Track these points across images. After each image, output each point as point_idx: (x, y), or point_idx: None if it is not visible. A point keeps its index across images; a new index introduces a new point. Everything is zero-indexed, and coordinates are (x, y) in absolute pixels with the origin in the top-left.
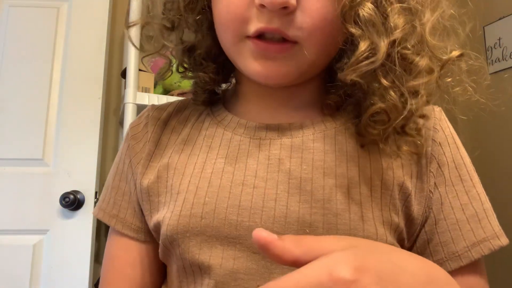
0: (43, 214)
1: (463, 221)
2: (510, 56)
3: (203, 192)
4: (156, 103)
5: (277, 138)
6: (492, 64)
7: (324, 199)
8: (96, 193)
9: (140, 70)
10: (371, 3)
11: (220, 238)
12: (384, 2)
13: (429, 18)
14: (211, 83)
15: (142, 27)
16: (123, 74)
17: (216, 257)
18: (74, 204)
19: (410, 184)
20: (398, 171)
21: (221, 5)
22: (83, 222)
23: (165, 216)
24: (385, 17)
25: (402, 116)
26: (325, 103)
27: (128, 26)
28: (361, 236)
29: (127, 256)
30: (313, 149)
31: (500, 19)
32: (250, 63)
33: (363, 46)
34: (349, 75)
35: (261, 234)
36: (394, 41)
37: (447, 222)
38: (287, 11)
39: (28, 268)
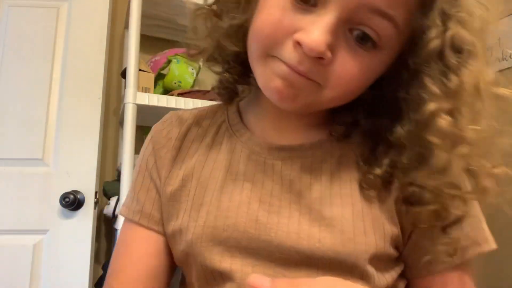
0: (43, 214)
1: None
2: (510, 56)
3: (225, 206)
4: (156, 103)
5: (288, 159)
6: (492, 64)
7: (332, 217)
8: (96, 193)
9: (140, 70)
10: (447, 114)
11: (239, 249)
12: (459, 117)
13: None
14: (233, 83)
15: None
16: (123, 74)
17: (237, 264)
18: (74, 204)
19: (401, 199)
20: (396, 189)
21: (264, 18)
22: (83, 222)
23: (189, 224)
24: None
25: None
26: (333, 128)
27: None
28: (363, 248)
29: (146, 245)
30: (321, 170)
31: (500, 19)
32: (270, 79)
33: (440, 160)
34: (422, 180)
35: (255, 281)
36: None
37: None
38: (320, 62)
39: (28, 268)
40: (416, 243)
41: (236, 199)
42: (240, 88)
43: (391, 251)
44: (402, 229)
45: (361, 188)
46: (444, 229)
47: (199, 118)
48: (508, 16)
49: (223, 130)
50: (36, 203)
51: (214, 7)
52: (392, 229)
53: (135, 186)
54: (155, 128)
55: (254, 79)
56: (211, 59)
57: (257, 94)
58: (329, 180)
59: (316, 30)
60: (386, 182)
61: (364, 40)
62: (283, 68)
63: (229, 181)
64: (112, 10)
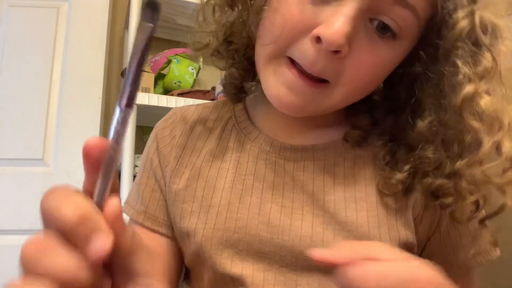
0: None
1: (466, 234)
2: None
3: (235, 207)
4: (156, 103)
5: (301, 160)
6: None
7: (347, 221)
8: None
9: None
10: (486, 94)
11: (251, 252)
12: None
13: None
14: (239, 79)
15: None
16: (123, 74)
17: (248, 268)
18: None
19: (419, 204)
20: (415, 194)
21: (278, 15)
22: None
23: (197, 226)
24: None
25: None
26: (348, 134)
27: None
28: None
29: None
30: (334, 173)
31: None
32: (276, 85)
33: (487, 144)
34: (471, 170)
35: (318, 254)
36: None
37: (451, 235)
38: (337, 56)
39: None
40: (441, 245)
41: (247, 200)
42: (246, 85)
43: None
44: (418, 235)
45: (379, 193)
46: (483, 221)
47: (204, 114)
48: (508, 16)
49: (229, 127)
50: (36, 203)
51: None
52: (407, 237)
53: (139, 185)
54: (158, 126)
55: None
56: (215, 54)
57: (262, 93)
58: (343, 184)
59: (336, 22)
60: (407, 187)
61: (384, 30)
62: (289, 77)
63: (238, 181)
64: (112, 10)
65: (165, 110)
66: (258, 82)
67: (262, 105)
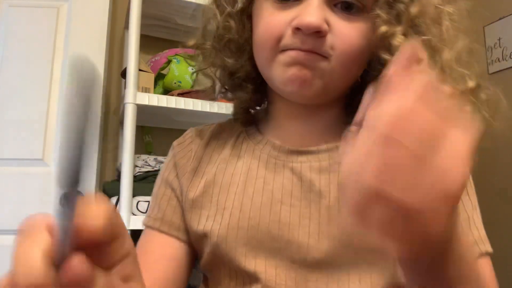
0: None
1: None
2: (510, 56)
3: (247, 208)
4: (156, 103)
5: (307, 161)
6: (492, 64)
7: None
8: (96, 193)
9: (140, 70)
10: (401, 35)
11: (263, 249)
12: (410, 37)
13: (447, 55)
14: (248, 102)
15: (196, 47)
16: (123, 74)
17: (260, 265)
18: None
19: None
20: None
21: (261, 27)
22: None
23: (213, 228)
24: None
25: None
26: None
27: (189, 46)
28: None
29: (164, 250)
30: (339, 172)
31: (500, 19)
32: (284, 71)
33: None
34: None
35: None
36: None
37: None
38: (319, 35)
39: None
40: None
41: (258, 200)
42: (252, 111)
43: None
44: None
45: None
46: None
47: (218, 131)
48: (508, 16)
49: (241, 139)
50: (36, 203)
51: (215, 44)
52: None
53: (156, 196)
54: (176, 142)
55: (265, 94)
56: (224, 90)
57: (269, 109)
58: None
59: (307, 11)
60: None
61: (349, 8)
62: (291, 54)
63: (250, 185)
64: (112, 10)
65: (165, 110)
66: (263, 103)
67: (268, 121)
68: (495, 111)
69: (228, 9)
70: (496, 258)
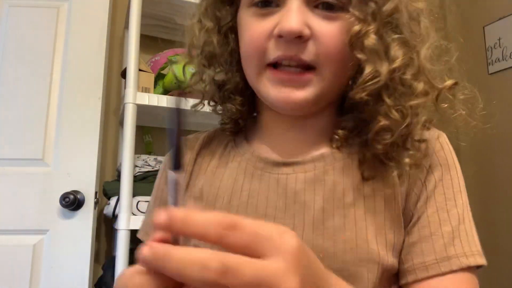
0: (43, 214)
1: (438, 235)
2: (510, 56)
3: None
4: (156, 103)
5: (293, 173)
6: (492, 64)
7: (335, 227)
8: (96, 193)
9: (140, 70)
10: (374, 34)
11: None
12: (385, 35)
13: (423, 51)
14: (237, 114)
15: (185, 64)
16: (123, 74)
17: None
18: (74, 204)
19: (401, 206)
20: (397, 197)
21: (245, 40)
22: (83, 222)
23: (200, 242)
24: (386, 47)
25: (402, 129)
26: (335, 138)
27: (181, 63)
28: (365, 257)
29: None
30: (324, 181)
31: (500, 19)
32: (270, 90)
33: (368, 69)
34: (359, 93)
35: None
36: (394, 68)
37: (420, 233)
38: (302, 40)
39: (28, 268)
40: (413, 243)
41: (243, 214)
42: (241, 122)
43: (394, 261)
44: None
45: (364, 197)
46: (404, 143)
47: (208, 140)
48: (508, 16)
49: (229, 148)
50: (36, 203)
51: (202, 61)
52: (396, 238)
53: (150, 211)
54: (166, 157)
55: (254, 105)
56: (213, 104)
57: (258, 119)
58: (332, 191)
59: (287, 17)
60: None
61: (329, 8)
62: (274, 72)
63: (235, 198)
64: (112, 10)
65: (165, 110)
66: (251, 113)
67: (256, 131)
68: (472, 108)
69: (210, 25)
70: (496, 258)
